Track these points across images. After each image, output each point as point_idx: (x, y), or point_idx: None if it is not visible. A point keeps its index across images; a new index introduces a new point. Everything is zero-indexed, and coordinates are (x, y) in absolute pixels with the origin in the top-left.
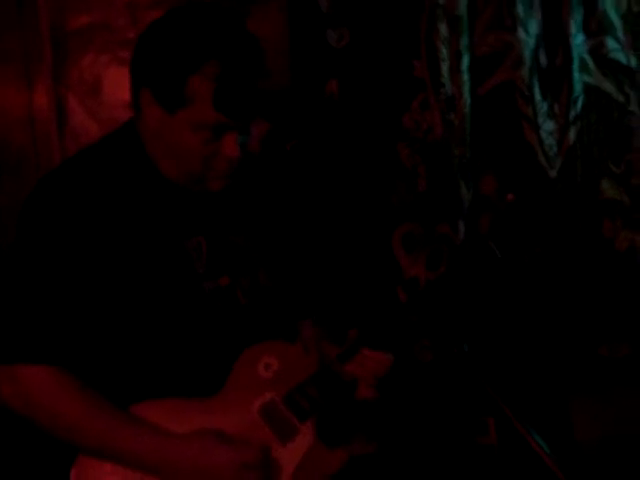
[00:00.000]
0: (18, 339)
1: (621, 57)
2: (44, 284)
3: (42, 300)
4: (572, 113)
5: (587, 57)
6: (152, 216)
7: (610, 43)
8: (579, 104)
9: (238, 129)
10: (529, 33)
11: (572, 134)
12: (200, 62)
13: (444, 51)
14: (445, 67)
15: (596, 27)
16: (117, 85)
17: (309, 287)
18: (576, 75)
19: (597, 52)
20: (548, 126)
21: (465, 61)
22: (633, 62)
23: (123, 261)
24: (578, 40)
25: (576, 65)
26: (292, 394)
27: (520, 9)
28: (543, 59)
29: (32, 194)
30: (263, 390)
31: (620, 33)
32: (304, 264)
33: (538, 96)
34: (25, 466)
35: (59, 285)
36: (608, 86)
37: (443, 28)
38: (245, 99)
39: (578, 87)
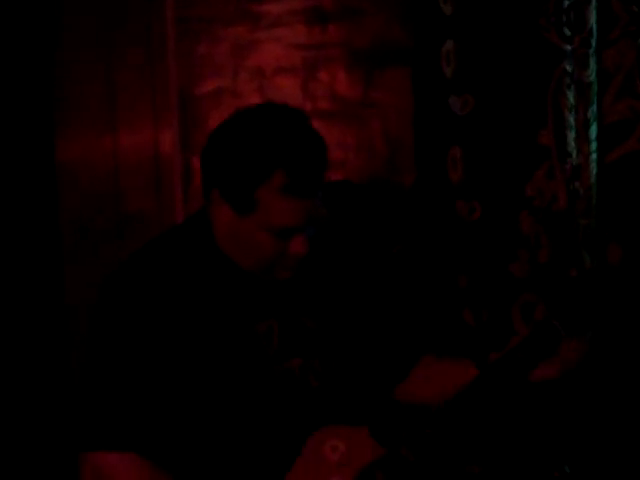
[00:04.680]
0: (99, 426)
1: None
2: (121, 371)
3: (120, 386)
4: None
5: None
6: (223, 300)
7: None
8: None
9: (305, 229)
10: None
11: None
12: (267, 174)
13: (571, 119)
14: (572, 136)
15: None
16: None
17: (383, 370)
18: None
19: None
20: None
21: (593, 130)
22: None
23: (195, 345)
24: None
25: None
26: (359, 477)
27: None
28: None
29: (107, 284)
30: (330, 473)
31: None
32: (383, 344)
33: None
34: None
35: (136, 371)
36: None
37: (571, 96)
38: (312, 194)
39: None
